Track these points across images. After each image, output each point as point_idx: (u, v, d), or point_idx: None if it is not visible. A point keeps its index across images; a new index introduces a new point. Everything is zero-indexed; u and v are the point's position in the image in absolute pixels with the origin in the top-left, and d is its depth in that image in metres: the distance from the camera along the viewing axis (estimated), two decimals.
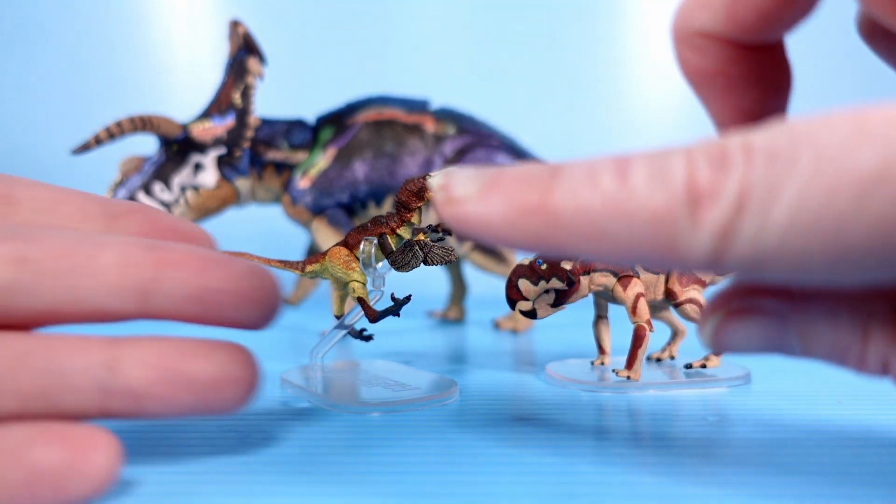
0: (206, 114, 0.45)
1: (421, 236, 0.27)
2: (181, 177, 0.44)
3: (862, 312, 0.15)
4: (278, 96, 0.51)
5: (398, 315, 0.28)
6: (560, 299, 0.29)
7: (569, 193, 0.14)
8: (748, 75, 0.18)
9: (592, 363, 0.31)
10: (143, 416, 0.17)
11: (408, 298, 0.28)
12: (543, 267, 0.28)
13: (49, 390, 0.17)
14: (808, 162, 0.13)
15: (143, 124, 0.42)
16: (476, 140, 0.47)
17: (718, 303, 0.17)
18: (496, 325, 0.46)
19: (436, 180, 0.16)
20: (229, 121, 0.45)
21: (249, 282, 0.18)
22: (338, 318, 0.30)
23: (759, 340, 0.17)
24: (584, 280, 0.29)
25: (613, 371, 0.29)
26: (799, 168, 0.13)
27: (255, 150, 0.46)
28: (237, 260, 0.19)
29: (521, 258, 0.30)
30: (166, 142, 0.44)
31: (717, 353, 0.18)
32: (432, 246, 0.27)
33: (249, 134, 0.45)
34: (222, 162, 0.45)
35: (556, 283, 0.28)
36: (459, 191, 0.15)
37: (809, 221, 0.13)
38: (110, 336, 0.18)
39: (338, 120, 0.47)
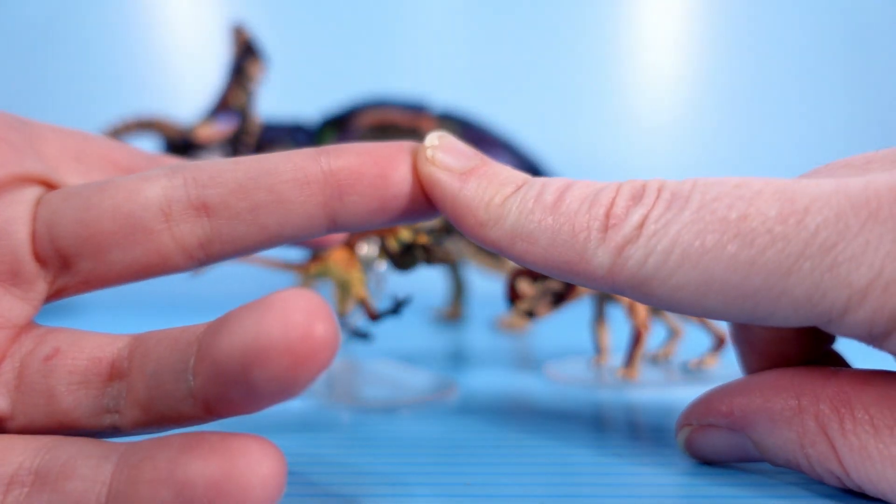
0: (211, 115, 0.45)
1: (422, 237, 0.28)
2: None
3: (795, 424, 0.17)
4: (279, 96, 0.51)
5: (399, 315, 0.28)
6: (559, 299, 0.29)
7: (520, 202, 0.17)
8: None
9: (591, 362, 0.31)
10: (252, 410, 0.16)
11: (408, 298, 0.28)
12: None
13: (153, 396, 0.16)
14: (695, 204, 0.15)
15: (147, 125, 0.42)
16: (478, 142, 0.47)
17: (683, 420, 0.19)
18: (496, 325, 0.46)
19: (430, 138, 0.18)
20: (233, 123, 0.45)
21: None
22: (339, 317, 0.30)
23: (724, 449, 0.19)
24: None
25: (612, 370, 0.30)
26: (687, 209, 0.15)
27: (259, 152, 0.46)
28: (403, 146, 0.18)
29: None
30: (170, 143, 0.44)
31: (693, 455, 0.20)
32: (433, 247, 0.27)
33: (253, 136, 0.45)
34: None
35: (554, 284, 0.28)
36: (446, 159, 0.18)
37: (683, 250, 0.15)
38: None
39: (340, 122, 0.47)
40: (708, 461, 0.19)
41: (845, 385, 0.17)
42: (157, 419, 0.16)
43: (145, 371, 0.16)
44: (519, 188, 0.17)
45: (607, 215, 0.16)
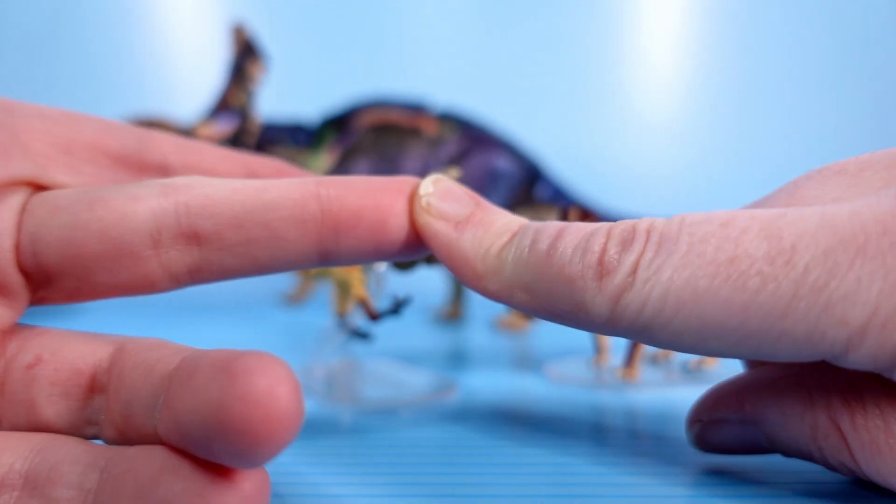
0: (211, 115, 0.45)
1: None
2: None
3: (807, 418, 0.17)
4: (279, 96, 0.51)
5: (399, 315, 0.28)
6: None
7: (515, 251, 0.17)
8: None
9: (591, 362, 0.31)
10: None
11: (408, 298, 0.28)
12: None
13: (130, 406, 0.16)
14: (684, 246, 0.15)
15: (147, 125, 0.42)
16: (477, 142, 0.47)
17: (693, 415, 0.20)
18: (496, 325, 0.46)
19: (425, 185, 0.18)
20: (234, 122, 0.45)
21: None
22: (339, 317, 0.30)
23: (736, 443, 0.19)
24: None
25: (612, 370, 0.30)
26: (676, 251, 0.15)
27: (259, 152, 0.46)
28: (402, 193, 0.18)
29: None
30: None
31: (704, 450, 0.20)
32: None
33: (254, 136, 0.45)
34: None
35: None
36: (442, 207, 0.18)
37: (677, 297, 0.15)
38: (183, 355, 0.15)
39: (340, 122, 0.47)
40: (719, 453, 0.20)
41: (856, 379, 0.16)
42: (133, 441, 0.15)
43: (120, 397, 0.16)
44: (514, 236, 0.17)
45: (600, 262, 0.16)
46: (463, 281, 0.18)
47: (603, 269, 0.16)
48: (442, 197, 0.18)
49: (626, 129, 0.78)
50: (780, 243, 0.14)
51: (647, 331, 0.16)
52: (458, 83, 0.72)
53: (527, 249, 0.17)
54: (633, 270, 0.15)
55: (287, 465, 0.20)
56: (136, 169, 0.19)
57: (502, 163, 0.46)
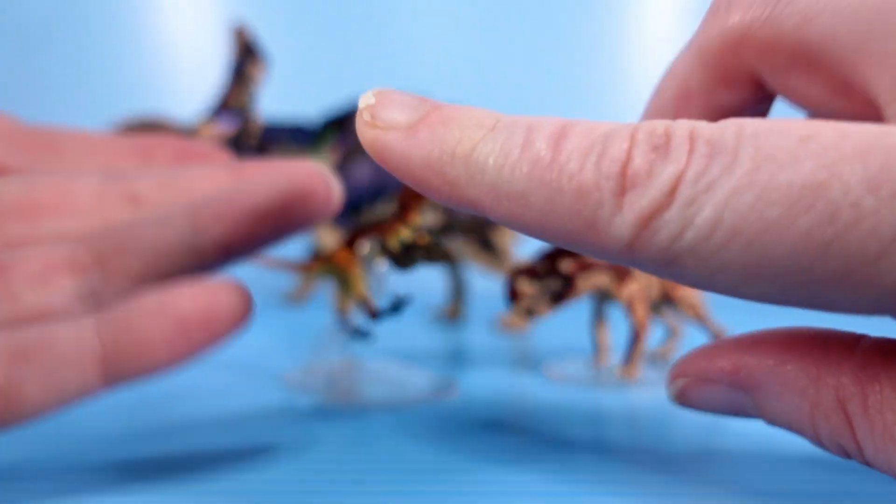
0: (212, 116, 0.45)
1: (422, 237, 0.28)
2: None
3: (808, 394, 0.15)
4: (279, 96, 0.51)
5: (399, 314, 0.28)
6: (558, 298, 0.29)
7: (498, 148, 0.14)
8: None
9: (590, 362, 0.31)
10: (239, 257, 0.20)
11: (408, 298, 0.28)
12: (541, 267, 0.29)
13: (152, 266, 0.19)
14: (747, 162, 0.12)
15: (148, 126, 0.42)
16: None
17: (679, 370, 0.18)
18: (496, 325, 0.46)
19: (363, 98, 0.15)
20: (235, 123, 0.45)
21: (311, 181, 0.21)
22: (339, 317, 0.30)
23: (719, 406, 0.17)
24: (581, 280, 0.29)
25: (612, 370, 0.30)
26: (737, 166, 0.12)
27: (260, 153, 0.46)
28: (302, 165, 0.21)
29: (519, 257, 0.30)
30: None
31: (682, 405, 0.19)
32: (433, 246, 0.28)
33: (254, 136, 0.45)
34: None
35: (554, 283, 0.28)
36: (388, 115, 0.15)
37: (734, 224, 0.12)
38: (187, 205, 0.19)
39: (341, 122, 0.47)
40: (697, 410, 0.18)
41: (872, 357, 0.15)
42: (156, 279, 0.19)
43: (137, 252, 0.19)
44: (492, 131, 0.14)
45: (623, 173, 0.13)
46: (434, 195, 0.15)
47: (627, 182, 0.13)
48: (386, 105, 0.15)
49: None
50: (887, 169, 0.11)
51: (676, 263, 0.13)
52: (458, 83, 0.72)
53: (518, 150, 0.14)
54: (673, 186, 0.12)
55: (287, 465, 0.20)
56: (30, 149, 0.23)
57: None
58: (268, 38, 0.48)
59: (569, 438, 0.22)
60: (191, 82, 0.75)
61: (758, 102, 0.17)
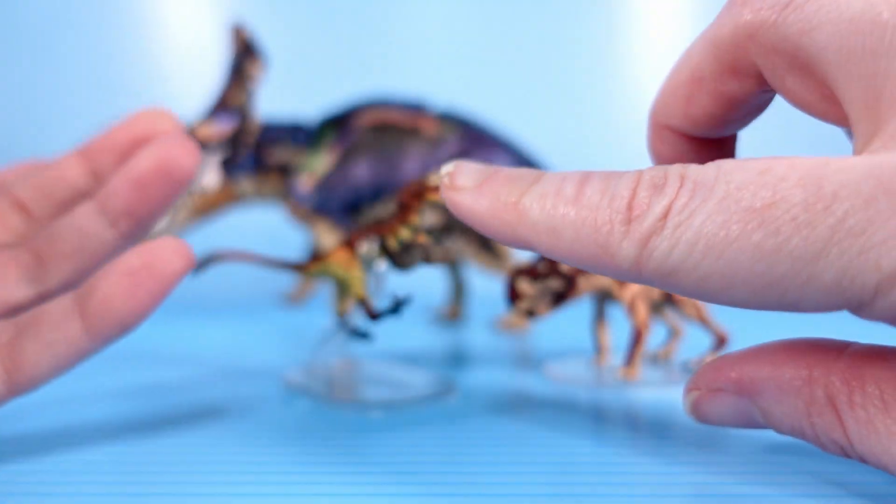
0: (210, 115, 0.45)
1: (421, 237, 0.28)
2: None
3: (803, 394, 0.17)
4: (278, 96, 0.51)
5: (399, 315, 0.28)
6: (559, 299, 0.29)
7: (538, 198, 0.17)
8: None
9: (591, 362, 0.31)
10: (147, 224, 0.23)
11: (408, 298, 0.28)
12: (542, 267, 0.28)
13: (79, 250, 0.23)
14: (720, 193, 0.15)
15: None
16: (477, 142, 0.47)
17: (692, 384, 0.19)
18: (496, 325, 0.46)
19: (445, 167, 0.19)
20: (233, 122, 0.45)
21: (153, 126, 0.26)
22: (339, 317, 0.30)
23: (730, 415, 0.19)
24: (582, 280, 0.29)
25: (612, 370, 0.30)
26: (713, 196, 0.15)
27: (259, 152, 0.46)
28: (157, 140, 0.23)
29: (519, 257, 0.30)
30: None
31: (698, 419, 0.20)
32: (433, 246, 0.27)
33: (252, 135, 0.45)
34: (226, 164, 0.45)
35: (554, 283, 0.28)
36: (461, 181, 0.19)
37: (708, 241, 0.15)
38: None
39: (340, 121, 0.47)
40: (712, 424, 0.19)
41: (858, 359, 0.17)
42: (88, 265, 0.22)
43: (65, 245, 0.22)
44: (534, 184, 0.18)
45: (629, 207, 0.16)
46: (498, 237, 0.18)
47: (632, 214, 0.16)
48: (460, 172, 0.19)
49: (626, 129, 0.78)
50: (820, 191, 0.14)
51: (671, 276, 0.16)
52: (458, 83, 0.72)
53: (552, 194, 0.17)
54: (665, 215, 0.16)
55: (287, 466, 0.20)
56: None
57: (503, 161, 0.46)
58: (268, 39, 0.48)
59: (569, 438, 0.22)
60: (189, 81, 0.75)
61: (761, 94, 0.19)
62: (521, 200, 0.18)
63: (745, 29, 0.18)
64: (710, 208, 0.15)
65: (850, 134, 0.18)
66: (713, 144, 0.22)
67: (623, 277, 0.17)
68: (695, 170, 0.16)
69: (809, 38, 0.16)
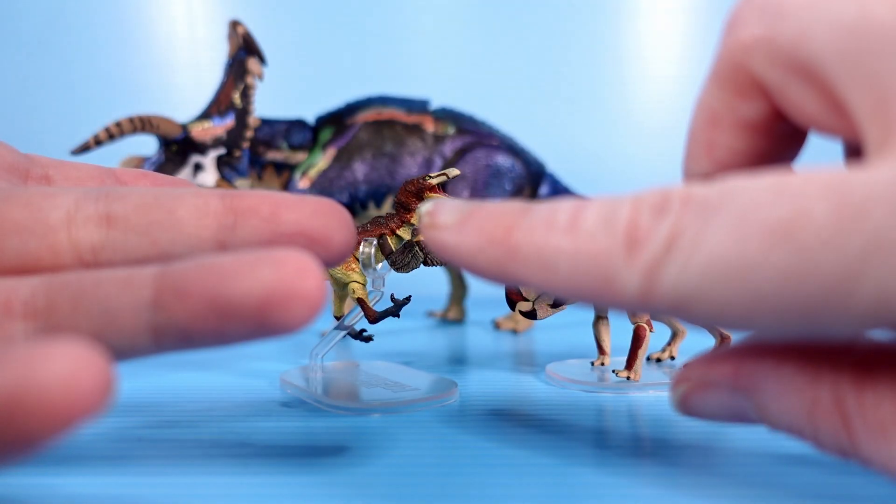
0: (206, 114, 0.45)
1: (420, 237, 0.27)
2: (181, 177, 0.44)
3: (807, 392, 0.16)
4: (278, 96, 0.51)
5: (398, 316, 0.28)
6: (559, 302, 0.29)
7: (528, 231, 0.16)
8: None
9: (592, 363, 0.31)
10: (198, 348, 0.17)
11: (407, 299, 0.28)
12: None
13: (103, 333, 0.17)
14: (730, 213, 0.14)
15: (142, 125, 0.42)
16: (476, 140, 0.47)
17: (682, 376, 0.18)
18: (496, 326, 0.46)
19: (424, 207, 0.18)
20: (229, 121, 0.45)
21: (319, 221, 0.19)
22: (337, 318, 0.30)
23: (721, 410, 0.18)
24: None
25: (613, 371, 0.29)
26: (721, 218, 0.14)
27: (255, 151, 0.46)
28: (307, 199, 0.19)
29: None
30: (166, 142, 0.44)
31: (685, 413, 0.19)
32: None
33: (249, 134, 0.45)
34: (222, 162, 0.45)
35: None
36: (442, 219, 0.17)
37: (723, 268, 0.14)
38: (157, 267, 0.17)
39: (337, 120, 0.47)
40: (700, 418, 0.19)
41: (869, 356, 0.15)
42: (102, 342, 0.17)
43: (91, 310, 0.17)
44: (522, 216, 0.16)
45: (630, 233, 0.15)
46: (486, 276, 0.17)
47: (632, 241, 0.15)
48: (439, 209, 0.18)
49: (626, 129, 0.78)
50: (846, 204, 0.13)
51: (685, 306, 0.14)
52: (458, 83, 0.72)
53: (542, 226, 0.16)
54: (671, 239, 0.14)
55: (287, 467, 0.20)
56: (24, 178, 0.22)
57: (502, 159, 0.46)
58: (267, 38, 0.48)
59: (570, 440, 0.22)
60: (187, 80, 0.75)
61: (779, 116, 0.18)
62: (510, 235, 0.16)
63: (742, 49, 0.17)
64: (721, 230, 0.14)
65: (846, 151, 0.17)
66: None
67: (629, 308, 0.15)
68: (698, 189, 0.15)
69: (807, 46, 0.15)
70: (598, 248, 0.15)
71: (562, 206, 0.16)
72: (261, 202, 0.19)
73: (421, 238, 0.27)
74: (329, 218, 0.19)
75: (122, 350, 0.17)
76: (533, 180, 0.48)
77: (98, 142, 0.42)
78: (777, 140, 0.18)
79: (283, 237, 0.19)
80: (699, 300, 0.14)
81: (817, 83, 0.16)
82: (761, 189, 0.14)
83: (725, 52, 0.17)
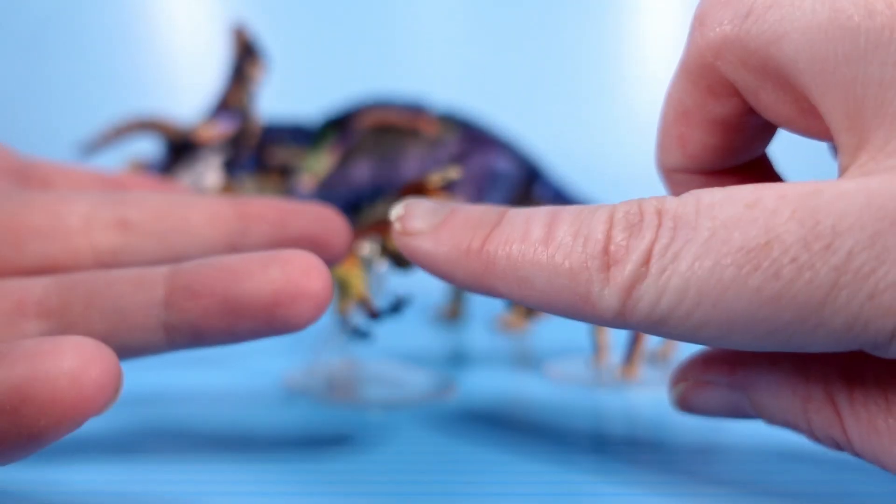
0: (212, 116, 0.45)
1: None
2: (186, 179, 0.44)
3: (800, 390, 0.16)
4: (278, 96, 0.51)
5: (399, 314, 0.28)
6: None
7: (504, 243, 0.16)
8: None
9: (590, 362, 0.31)
10: (208, 345, 0.18)
11: (408, 298, 0.28)
12: None
13: (116, 331, 0.17)
14: (706, 231, 0.14)
15: (147, 126, 0.42)
16: (477, 143, 0.47)
17: (680, 374, 0.19)
18: (496, 325, 0.46)
19: (394, 211, 0.18)
20: (234, 123, 0.45)
21: (321, 226, 0.20)
22: (339, 317, 0.30)
23: (719, 407, 0.18)
24: None
25: (612, 369, 0.30)
26: (697, 236, 0.14)
27: (260, 152, 0.46)
28: (310, 206, 0.20)
29: None
30: (171, 144, 0.44)
31: (683, 410, 0.19)
32: None
33: (254, 136, 0.45)
34: (228, 164, 0.45)
35: None
36: (414, 224, 0.17)
37: (699, 287, 0.14)
38: (169, 267, 0.18)
39: (340, 122, 0.47)
40: (699, 414, 0.19)
41: (859, 355, 0.16)
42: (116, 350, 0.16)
43: (104, 308, 0.17)
44: (497, 226, 0.16)
45: (606, 251, 0.15)
46: (461, 286, 0.17)
47: (610, 259, 0.15)
48: (411, 214, 0.17)
49: (626, 130, 0.78)
50: (818, 226, 0.13)
51: (663, 325, 0.14)
52: (458, 83, 0.72)
53: (518, 240, 0.16)
54: (646, 259, 0.14)
55: (286, 466, 0.20)
56: (25, 181, 0.22)
57: (502, 164, 0.46)
58: (268, 39, 0.48)
59: (569, 438, 0.22)
60: (190, 82, 0.75)
61: (750, 112, 0.18)
62: (486, 247, 0.16)
63: (711, 49, 0.16)
64: (697, 250, 0.14)
65: (833, 150, 0.17)
66: (739, 172, 0.19)
67: (607, 325, 0.15)
68: (672, 204, 0.14)
69: (777, 48, 0.15)
70: (574, 265, 0.15)
71: (536, 216, 0.16)
72: (268, 209, 0.20)
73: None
74: (329, 223, 0.20)
75: (134, 348, 0.17)
76: (531, 182, 0.48)
77: (105, 141, 0.42)
78: (750, 133, 0.18)
79: (289, 241, 0.20)
80: (677, 320, 0.14)
81: (789, 88, 0.16)
82: (736, 207, 0.14)
83: (694, 50, 0.17)
